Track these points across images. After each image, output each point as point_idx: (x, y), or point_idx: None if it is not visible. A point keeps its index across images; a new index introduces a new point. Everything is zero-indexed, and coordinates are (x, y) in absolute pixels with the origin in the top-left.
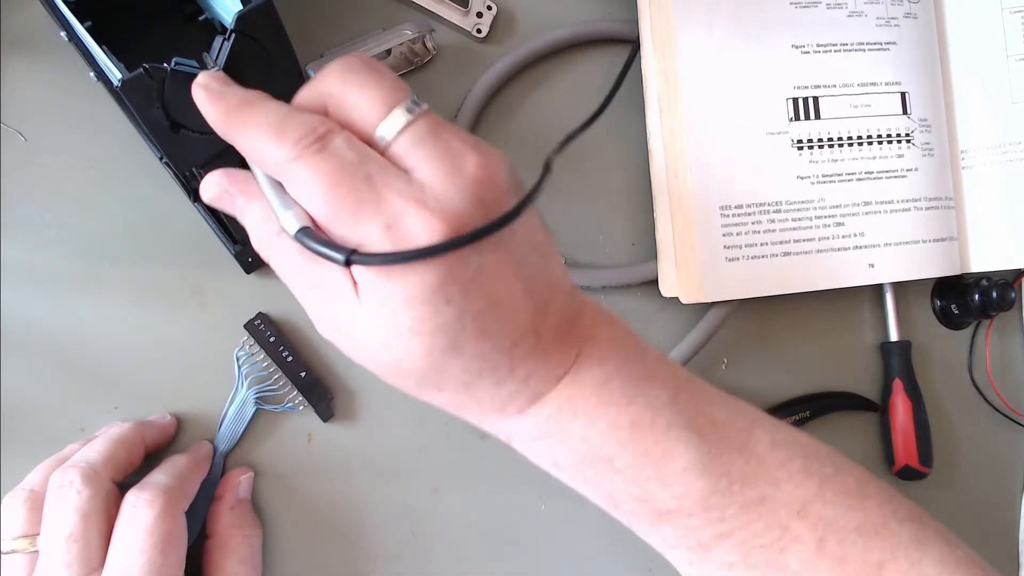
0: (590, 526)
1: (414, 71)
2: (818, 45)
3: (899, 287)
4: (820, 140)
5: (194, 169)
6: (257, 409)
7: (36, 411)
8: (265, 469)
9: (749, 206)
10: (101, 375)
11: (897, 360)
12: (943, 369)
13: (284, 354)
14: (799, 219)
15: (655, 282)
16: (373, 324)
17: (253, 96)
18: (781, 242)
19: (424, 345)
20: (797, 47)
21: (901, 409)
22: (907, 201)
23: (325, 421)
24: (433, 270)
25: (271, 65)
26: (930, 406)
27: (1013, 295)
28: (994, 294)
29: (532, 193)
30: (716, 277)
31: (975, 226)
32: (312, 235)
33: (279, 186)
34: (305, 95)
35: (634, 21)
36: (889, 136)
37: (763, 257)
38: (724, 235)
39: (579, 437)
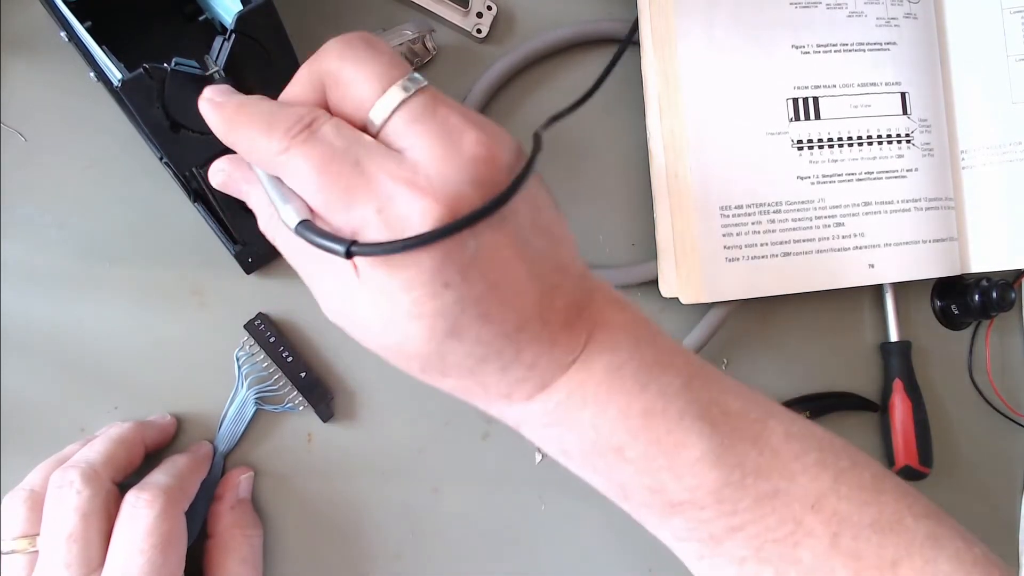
0: (590, 526)
1: (414, 71)
2: (818, 45)
3: (899, 287)
4: (820, 140)
5: (194, 169)
6: (257, 409)
7: (36, 411)
8: (265, 469)
9: (749, 206)
10: (101, 375)
11: (897, 360)
12: (943, 369)
13: (284, 354)
14: (799, 219)
15: (655, 282)
16: (374, 307)
17: (250, 99)
18: (781, 242)
19: (424, 329)
20: (797, 47)
21: (901, 409)
22: (907, 201)
23: (325, 421)
24: (430, 253)
25: (271, 65)
26: (930, 406)
27: (1013, 295)
28: (994, 294)
29: (525, 171)
30: (716, 277)
31: (975, 226)
32: (311, 227)
33: (277, 180)
34: (303, 74)
35: (629, 21)
36: (889, 136)
37: (763, 257)
38: (724, 235)
39: (589, 425)
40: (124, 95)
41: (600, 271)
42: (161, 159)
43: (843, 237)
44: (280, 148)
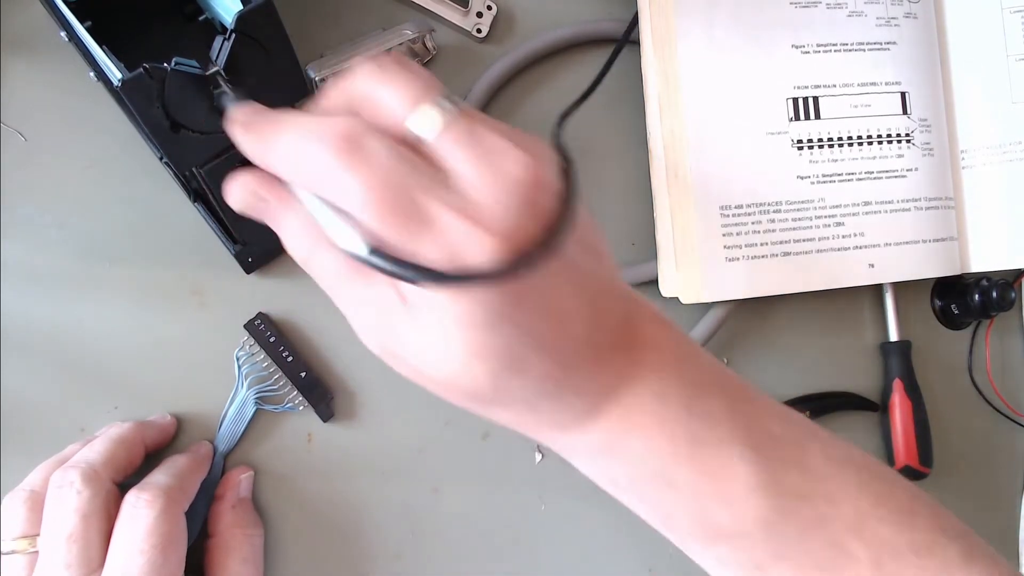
0: (590, 526)
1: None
2: (818, 45)
3: (899, 287)
4: (820, 140)
5: (194, 169)
6: (257, 409)
7: (36, 411)
8: (265, 469)
9: (749, 206)
10: (101, 375)
11: (897, 360)
12: (943, 369)
13: (284, 354)
14: (799, 219)
15: (655, 282)
16: (425, 341)
17: (283, 114)
18: (781, 242)
19: (483, 365)
20: (797, 47)
21: (901, 409)
22: (907, 201)
23: (325, 421)
24: (491, 288)
25: (271, 65)
26: (930, 406)
27: (1013, 295)
28: (994, 294)
29: (573, 194)
30: (716, 277)
31: (975, 226)
32: (383, 254)
33: (325, 200)
34: (333, 96)
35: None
36: (889, 136)
37: (763, 257)
38: (724, 235)
39: (638, 454)
40: (124, 95)
41: None
42: (161, 159)
43: (843, 237)
44: (328, 167)
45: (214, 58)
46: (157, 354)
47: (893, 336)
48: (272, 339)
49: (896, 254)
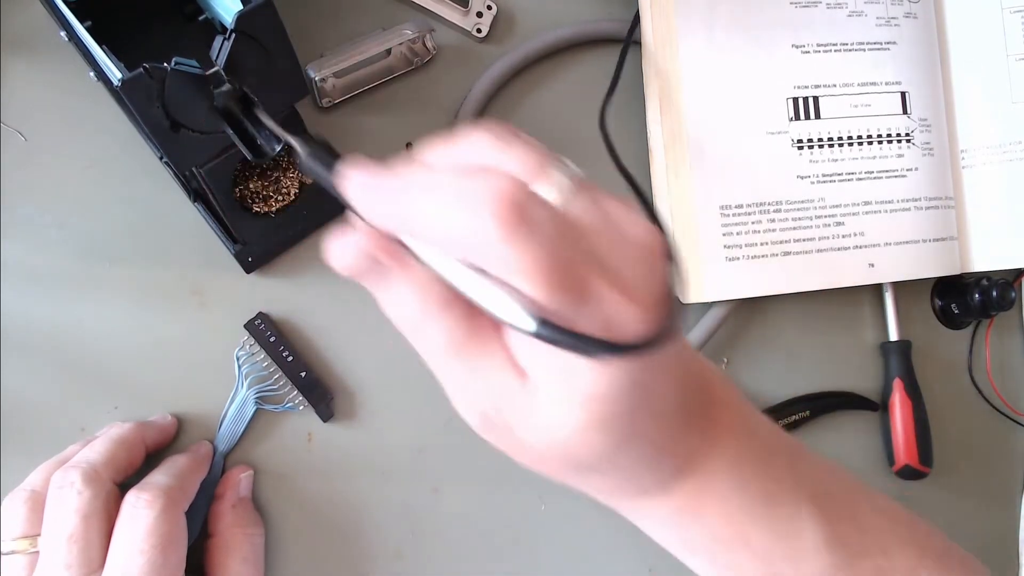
0: (590, 526)
1: (414, 71)
2: (818, 45)
3: (899, 287)
4: (820, 140)
5: (194, 169)
6: (257, 409)
7: (36, 411)
8: (265, 469)
9: (749, 206)
10: (101, 375)
11: (897, 360)
12: (943, 369)
13: (284, 354)
14: (799, 219)
15: None
16: (545, 414)
17: (408, 172)
18: (781, 242)
19: (606, 436)
20: (797, 47)
21: (901, 409)
22: (907, 201)
23: (325, 421)
24: (628, 361)
25: (271, 65)
26: (930, 406)
27: (1013, 295)
28: (994, 294)
29: (677, 256)
30: (716, 277)
31: (975, 226)
32: (559, 329)
33: (478, 270)
34: (438, 157)
35: (629, 21)
36: (889, 136)
37: (763, 257)
38: (724, 235)
39: (716, 516)
40: (124, 95)
41: None
42: (161, 159)
43: (843, 236)
44: (489, 235)
45: (214, 58)
46: (157, 354)
47: (893, 336)
48: (272, 339)
49: (896, 254)
